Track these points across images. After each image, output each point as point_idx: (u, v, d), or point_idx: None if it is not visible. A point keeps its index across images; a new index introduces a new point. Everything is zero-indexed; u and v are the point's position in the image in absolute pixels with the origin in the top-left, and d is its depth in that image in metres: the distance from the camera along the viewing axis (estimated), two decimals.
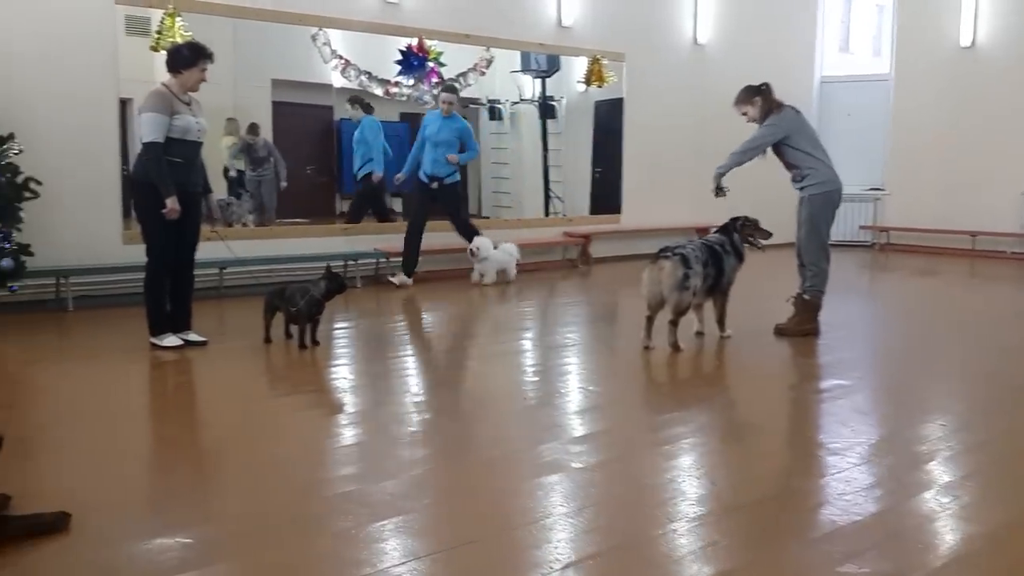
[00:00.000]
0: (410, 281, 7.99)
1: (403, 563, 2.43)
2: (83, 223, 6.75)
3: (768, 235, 5.65)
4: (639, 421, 3.99)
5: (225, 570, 2.41)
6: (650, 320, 5.31)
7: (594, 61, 10.21)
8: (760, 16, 11.62)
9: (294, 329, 5.40)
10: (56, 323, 6.17)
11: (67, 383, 4.57)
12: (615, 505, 2.93)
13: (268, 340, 5.38)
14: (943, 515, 2.81)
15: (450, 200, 8.16)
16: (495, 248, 8.20)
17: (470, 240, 8.05)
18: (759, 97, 5.63)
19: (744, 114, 5.72)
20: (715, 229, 5.78)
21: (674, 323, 5.22)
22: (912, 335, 6.24)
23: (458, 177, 8.25)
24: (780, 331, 5.73)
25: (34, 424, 3.70)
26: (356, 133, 8.92)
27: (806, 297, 5.72)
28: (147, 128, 4.95)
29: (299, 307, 5.24)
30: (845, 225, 12.15)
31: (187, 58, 5.08)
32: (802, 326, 5.69)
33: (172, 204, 4.95)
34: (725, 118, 8.95)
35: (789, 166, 5.70)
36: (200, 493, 3.03)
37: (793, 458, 3.49)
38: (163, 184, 4.95)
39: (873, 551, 2.52)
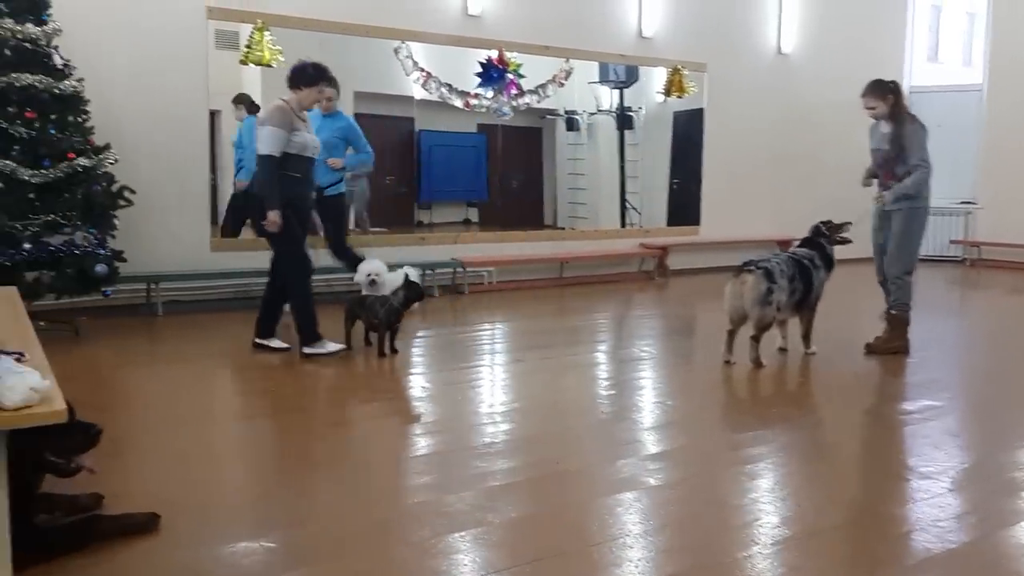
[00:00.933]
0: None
1: (495, 573, 2.43)
2: (174, 231, 6.99)
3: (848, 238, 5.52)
4: (718, 438, 3.91)
5: (307, 575, 2.45)
6: (731, 334, 5.21)
7: (675, 71, 10.11)
8: (846, 24, 11.32)
9: (374, 337, 5.48)
10: (147, 327, 6.39)
11: (158, 386, 4.72)
12: (695, 525, 2.87)
13: (348, 347, 5.47)
14: None
15: (332, 216, 6.70)
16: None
17: (352, 266, 6.42)
18: (892, 96, 5.44)
19: (871, 108, 5.46)
20: (798, 243, 5.63)
21: (756, 338, 5.11)
22: (1005, 355, 5.97)
23: (343, 188, 6.92)
24: (870, 350, 5.55)
25: (126, 426, 3.84)
26: (235, 136, 7.80)
27: (893, 312, 5.53)
28: (267, 142, 5.03)
29: (379, 316, 5.32)
30: (935, 239, 11.72)
31: (311, 76, 5.18)
32: (891, 343, 5.50)
33: (273, 217, 5.05)
34: (808, 129, 8.79)
35: (892, 176, 5.47)
36: (283, 498, 3.08)
37: (881, 481, 3.37)
38: (269, 197, 5.05)
39: None
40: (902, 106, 5.46)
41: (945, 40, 23.49)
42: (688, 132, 11.06)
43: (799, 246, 5.55)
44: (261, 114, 5.25)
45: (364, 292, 5.70)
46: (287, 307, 5.47)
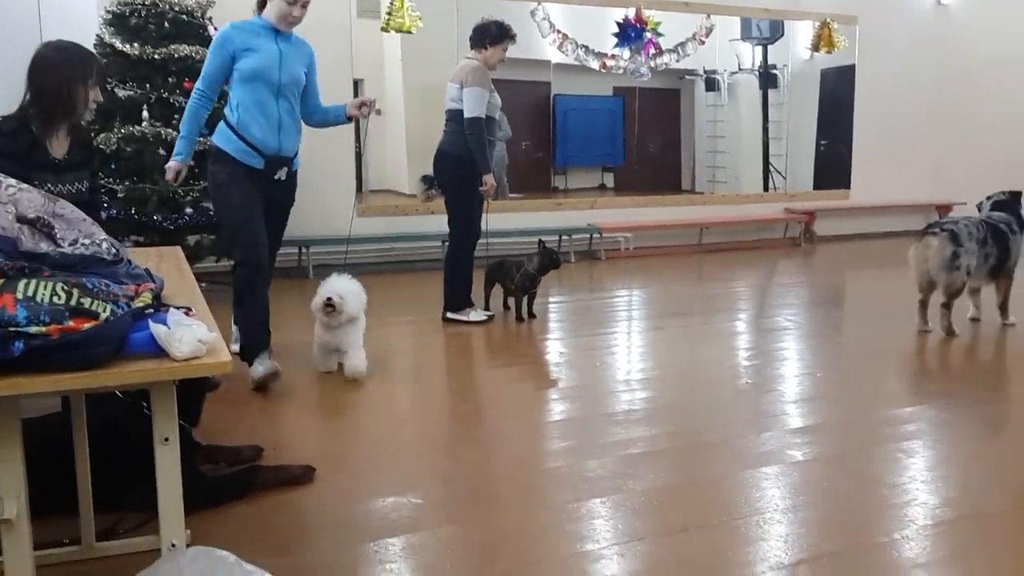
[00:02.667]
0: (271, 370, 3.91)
1: (624, 543, 2.42)
2: (322, 198, 7.26)
3: None
4: (871, 413, 3.72)
5: (453, 532, 2.51)
6: (923, 304, 5.01)
7: (823, 25, 9.60)
8: None
9: (511, 302, 5.54)
10: (300, 289, 6.68)
11: (310, 345, 4.94)
12: (846, 502, 2.75)
13: (490, 314, 5.54)
14: None
15: (289, 200, 4.25)
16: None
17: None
18: None
19: None
20: (989, 207, 5.20)
21: (946, 306, 4.89)
22: None
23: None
24: None
25: (284, 383, 4.04)
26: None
27: None
28: (472, 103, 5.00)
29: (515, 281, 5.37)
30: None
31: (495, 35, 5.15)
32: None
33: (490, 180, 5.10)
34: (970, 85, 8.21)
35: None
36: (429, 456, 3.17)
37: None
38: (483, 161, 5.05)
39: None
40: None
41: None
42: (837, 90, 10.51)
43: (992, 210, 5.17)
44: (460, 74, 5.10)
45: (318, 317, 4.15)
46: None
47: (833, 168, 10.51)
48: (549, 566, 2.30)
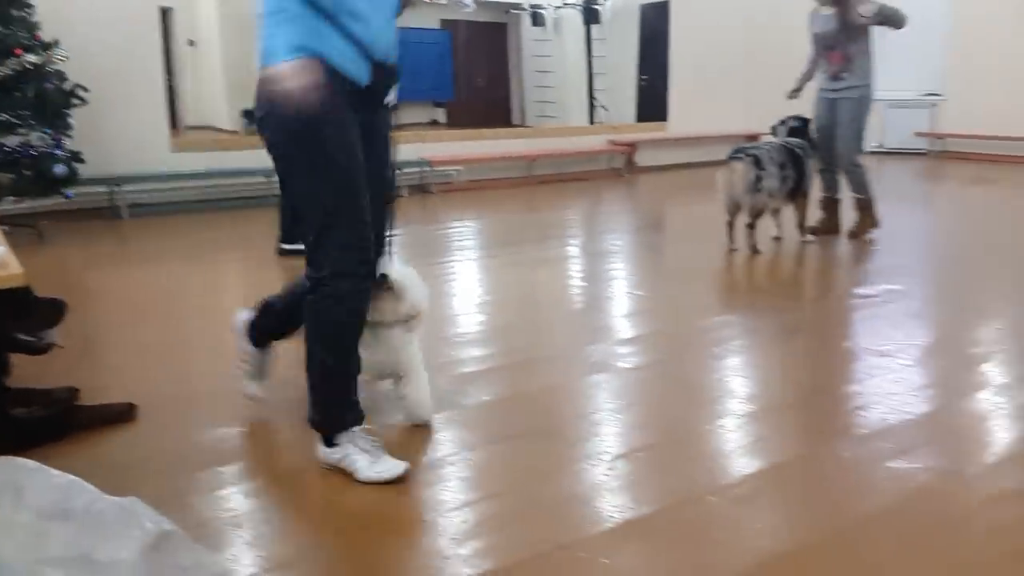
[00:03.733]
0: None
1: (454, 453, 2.50)
2: (131, 131, 6.82)
3: None
4: (687, 324, 3.99)
5: (280, 459, 2.51)
6: (730, 224, 5.30)
7: None
8: None
9: None
10: (112, 230, 6.30)
11: (127, 286, 4.69)
12: (664, 402, 2.97)
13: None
14: (998, 415, 2.80)
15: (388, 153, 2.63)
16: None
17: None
18: None
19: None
20: (784, 131, 5.58)
21: (751, 226, 5.24)
22: (967, 242, 6.10)
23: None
24: (853, 235, 5.69)
25: (97, 325, 3.83)
26: None
27: (860, 197, 5.63)
28: None
29: None
30: (899, 132, 11.78)
31: None
32: (865, 225, 5.67)
33: None
34: (777, 21, 8.67)
35: (843, 59, 5.45)
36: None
37: (844, 360, 3.47)
38: None
39: (925, 448, 2.52)
40: None
41: None
42: (656, 26, 10.86)
43: (788, 135, 5.55)
44: None
45: None
46: None
47: (654, 101, 10.93)
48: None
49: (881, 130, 11.90)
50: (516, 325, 3.97)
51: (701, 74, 10.42)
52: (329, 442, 2.34)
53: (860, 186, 5.61)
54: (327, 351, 2.31)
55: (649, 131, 10.40)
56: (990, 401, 2.90)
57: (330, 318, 2.28)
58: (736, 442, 2.59)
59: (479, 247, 6.03)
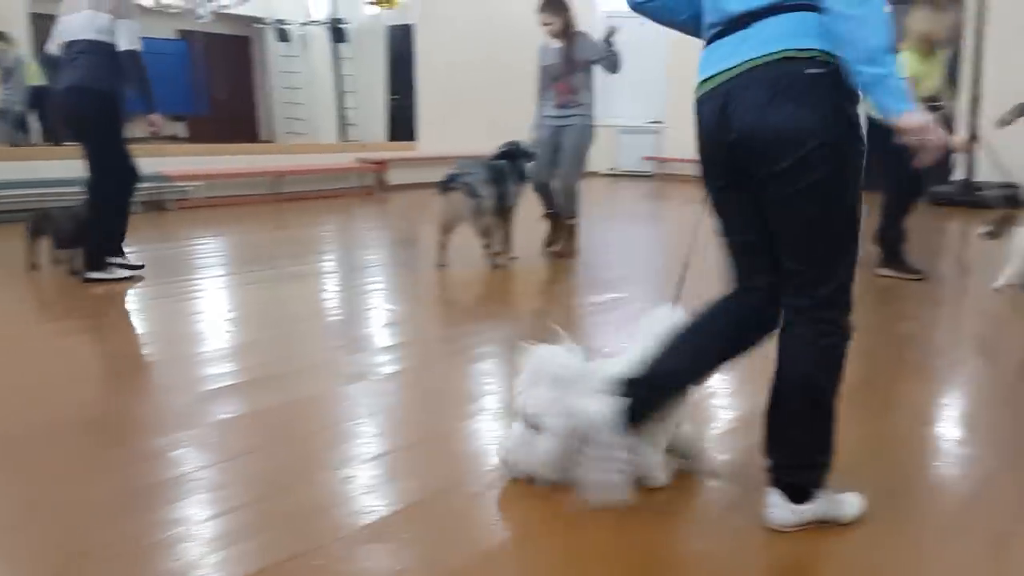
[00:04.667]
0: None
1: (211, 465, 2.39)
2: None
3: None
4: (438, 334, 4.09)
5: (20, 477, 2.27)
6: (442, 243, 5.47)
7: None
8: None
9: (64, 255, 5.02)
10: None
11: None
12: (414, 408, 3.02)
13: (35, 267, 4.97)
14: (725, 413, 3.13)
15: None
16: None
17: None
18: (566, 13, 5.73)
19: (547, 24, 5.74)
20: (496, 154, 5.89)
21: (486, 245, 5.42)
22: (679, 255, 6.74)
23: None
24: (561, 254, 5.98)
25: None
26: None
27: (571, 221, 5.94)
28: (132, 35, 4.66)
29: (69, 232, 4.89)
30: (629, 156, 12.82)
31: None
32: (572, 246, 5.98)
33: (159, 119, 4.92)
34: (517, 43, 9.06)
35: (569, 90, 5.77)
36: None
37: None
38: (152, 96, 4.84)
39: None
40: (573, 22, 5.78)
41: None
42: (404, 46, 11.04)
43: (496, 158, 5.82)
44: (106, 3, 4.61)
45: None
46: None
47: (404, 120, 11.08)
48: (107, 502, 2.19)
49: (614, 154, 12.90)
50: (266, 340, 3.86)
51: (448, 94, 10.73)
52: (803, 498, 2.01)
53: (572, 210, 5.93)
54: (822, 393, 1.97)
55: (399, 150, 10.52)
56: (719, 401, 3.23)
57: (837, 354, 1.96)
58: (482, 442, 2.69)
59: (224, 264, 5.78)
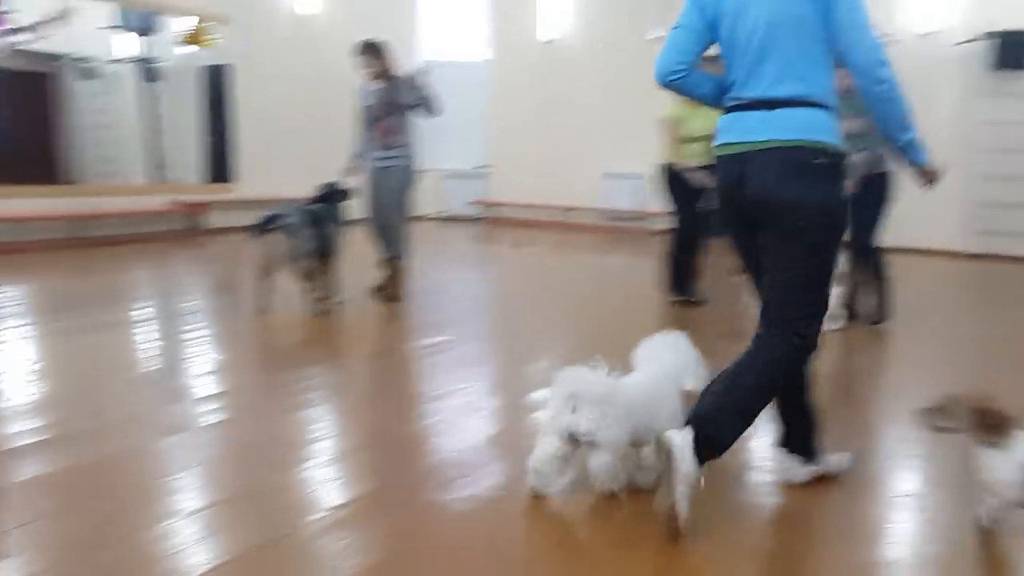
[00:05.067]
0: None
1: (10, 530, 2.20)
2: None
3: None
4: (259, 382, 3.97)
5: None
6: (263, 287, 5.36)
7: (198, 22, 9.74)
8: None
9: None
10: None
11: None
12: (241, 456, 2.92)
13: None
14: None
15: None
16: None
17: None
18: (384, 56, 5.80)
19: (366, 68, 5.80)
20: (314, 197, 5.87)
21: (310, 288, 5.35)
22: (513, 296, 6.93)
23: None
24: (389, 297, 5.98)
25: None
26: None
27: (399, 260, 5.99)
28: None
29: None
30: (457, 200, 13.01)
31: None
32: (398, 288, 6.00)
33: None
34: (338, 87, 9.07)
35: (389, 131, 5.83)
36: None
37: (406, 405, 3.65)
38: None
39: (471, 477, 2.81)
40: (392, 66, 5.89)
41: (461, 17, 25.81)
42: (221, 86, 10.75)
43: (313, 202, 5.79)
44: None
45: None
46: None
47: (222, 162, 10.74)
48: None
49: (442, 198, 13.07)
50: (74, 393, 3.61)
51: (268, 134, 10.53)
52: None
53: (398, 252, 5.97)
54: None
55: (217, 192, 10.18)
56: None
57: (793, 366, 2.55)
58: (309, 490, 2.64)
59: (25, 314, 5.36)
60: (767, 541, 2.37)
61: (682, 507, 2.24)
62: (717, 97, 2.56)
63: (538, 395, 3.75)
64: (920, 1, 9.62)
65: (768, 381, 2.44)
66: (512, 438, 3.17)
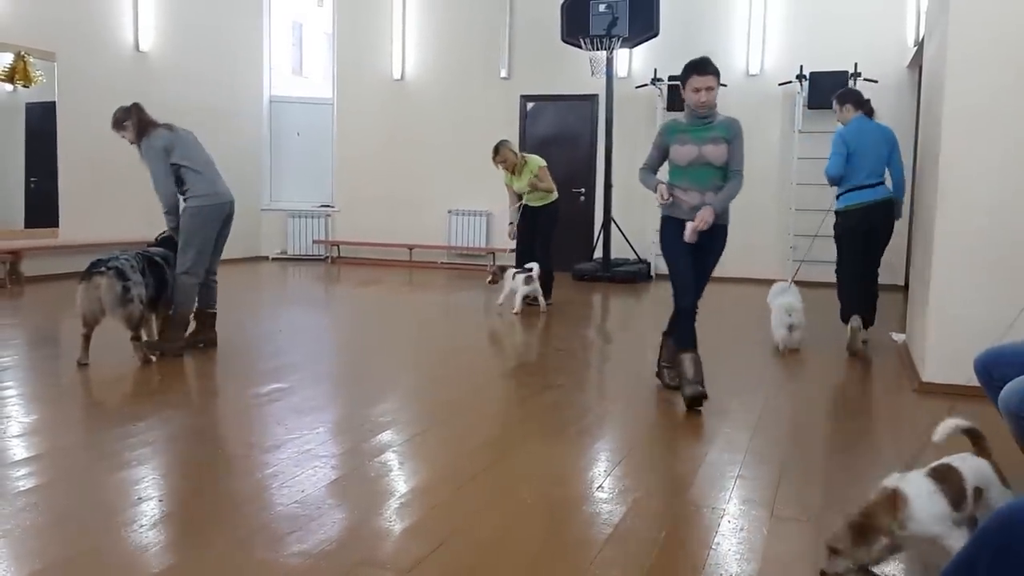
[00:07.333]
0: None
1: None
2: None
3: None
4: (79, 441, 3.75)
5: None
6: (86, 337, 5.11)
7: (18, 57, 9.17)
8: (205, 31, 11.60)
9: None
10: None
11: None
12: (65, 520, 2.75)
13: None
14: (393, 470, 3.20)
15: None
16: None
17: None
18: (130, 119, 5.68)
19: (124, 136, 5.70)
20: (155, 241, 5.67)
21: (135, 338, 5.13)
22: (356, 337, 6.86)
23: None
24: (205, 344, 5.72)
25: None
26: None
27: (182, 310, 5.55)
28: None
29: None
30: (300, 240, 12.77)
31: None
32: (176, 342, 5.51)
33: None
34: (179, 124, 8.74)
35: (178, 181, 5.61)
36: None
37: (234, 458, 3.55)
38: None
39: (301, 533, 2.77)
40: (146, 123, 5.79)
41: (308, 55, 25.60)
42: (44, 126, 10.13)
43: (151, 245, 5.57)
44: None
45: None
46: None
47: (44, 205, 10.09)
48: None
49: (285, 238, 12.80)
50: None
51: (96, 176, 10.00)
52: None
53: (182, 299, 5.53)
54: None
55: (38, 237, 9.54)
56: (381, 483, 3.31)
57: None
58: (137, 554, 2.52)
59: None
60: None
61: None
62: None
63: (382, 437, 3.73)
64: (746, 45, 10.74)
65: None
66: (351, 483, 3.14)
